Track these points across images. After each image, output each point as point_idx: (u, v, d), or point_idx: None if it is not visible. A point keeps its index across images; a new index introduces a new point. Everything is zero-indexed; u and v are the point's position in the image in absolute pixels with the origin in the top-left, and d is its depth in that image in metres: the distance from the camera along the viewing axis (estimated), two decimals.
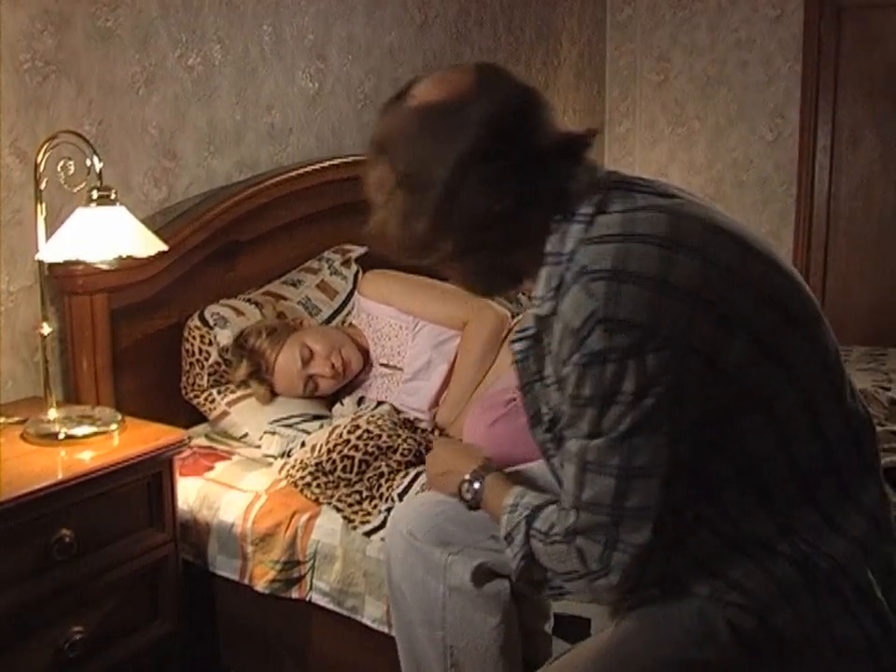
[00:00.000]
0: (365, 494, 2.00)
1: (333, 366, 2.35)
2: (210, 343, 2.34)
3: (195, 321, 2.37)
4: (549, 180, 1.23)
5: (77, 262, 1.91)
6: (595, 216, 1.21)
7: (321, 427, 2.26)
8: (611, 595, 1.27)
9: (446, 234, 1.24)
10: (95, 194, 1.87)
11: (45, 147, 1.93)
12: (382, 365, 2.49)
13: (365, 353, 2.49)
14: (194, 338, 2.35)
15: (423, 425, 2.31)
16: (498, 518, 1.40)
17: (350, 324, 2.62)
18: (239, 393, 2.34)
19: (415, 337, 2.46)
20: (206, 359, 2.34)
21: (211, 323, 2.36)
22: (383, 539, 1.89)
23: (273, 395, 2.35)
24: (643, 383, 1.13)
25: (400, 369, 2.46)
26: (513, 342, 1.40)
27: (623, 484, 1.17)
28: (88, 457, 1.83)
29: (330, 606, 1.98)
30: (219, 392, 2.34)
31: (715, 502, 1.24)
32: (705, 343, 1.16)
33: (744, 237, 1.26)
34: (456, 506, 1.60)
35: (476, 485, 1.51)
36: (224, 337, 2.34)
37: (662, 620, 1.28)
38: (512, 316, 2.45)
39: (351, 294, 2.66)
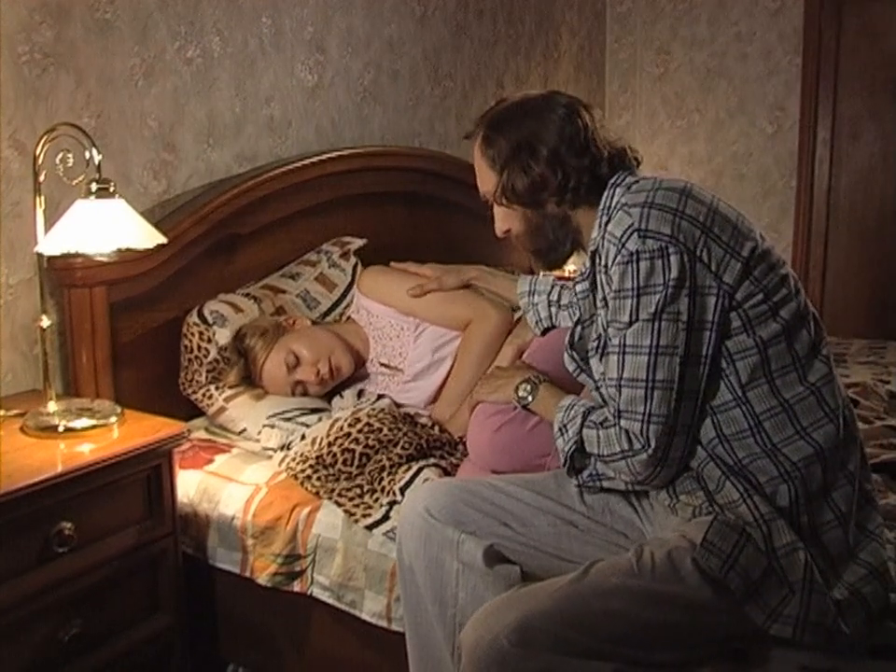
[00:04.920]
0: (366, 487, 2.00)
1: (319, 372, 2.34)
2: (209, 341, 2.32)
3: (194, 318, 2.36)
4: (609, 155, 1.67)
5: (77, 255, 1.91)
6: (633, 183, 1.62)
7: (320, 420, 2.26)
8: (645, 470, 1.54)
9: (553, 175, 1.64)
10: (94, 187, 1.86)
11: (44, 139, 1.92)
12: (382, 365, 2.48)
13: (357, 355, 2.48)
14: (192, 335, 2.34)
15: (422, 420, 2.31)
16: (551, 415, 1.72)
17: (349, 318, 2.61)
18: (236, 389, 2.35)
19: (417, 339, 2.44)
20: (205, 357, 2.33)
21: (210, 321, 2.34)
22: (384, 534, 1.90)
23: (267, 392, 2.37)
24: (667, 276, 1.47)
25: (401, 370, 2.45)
26: (575, 284, 1.77)
27: (653, 360, 1.49)
28: (87, 450, 1.83)
29: (330, 600, 1.98)
30: (217, 388, 2.33)
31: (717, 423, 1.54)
32: (712, 260, 1.49)
33: (737, 211, 1.62)
34: (471, 491, 1.71)
35: (531, 387, 1.84)
36: (223, 336, 2.32)
37: (635, 559, 1.49)
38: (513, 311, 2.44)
39: (350, 287, 2.64)
